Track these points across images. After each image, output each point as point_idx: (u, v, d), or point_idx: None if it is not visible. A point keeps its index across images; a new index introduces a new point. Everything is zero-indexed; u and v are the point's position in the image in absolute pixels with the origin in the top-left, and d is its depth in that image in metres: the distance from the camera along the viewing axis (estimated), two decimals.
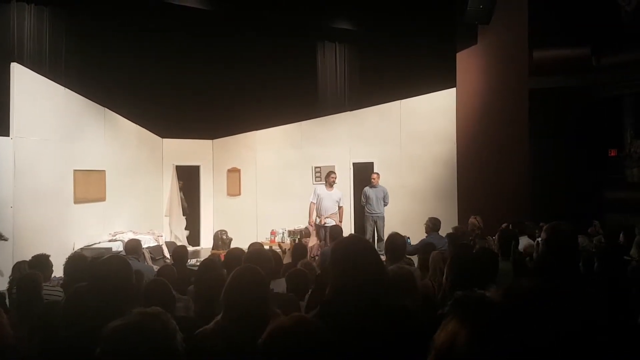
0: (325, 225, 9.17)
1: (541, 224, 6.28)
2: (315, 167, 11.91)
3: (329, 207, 9.35)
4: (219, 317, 2.48)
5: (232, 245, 10.22)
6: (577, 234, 3.56)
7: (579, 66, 11.37)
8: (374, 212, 10.00)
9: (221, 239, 10.62)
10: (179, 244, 9.70)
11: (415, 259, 5.64)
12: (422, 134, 11.20)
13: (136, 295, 2.83)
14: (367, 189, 10.14)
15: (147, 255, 8.83)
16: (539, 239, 4.56)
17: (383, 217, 10.02)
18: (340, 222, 9.61)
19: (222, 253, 8.39)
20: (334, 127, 11.90)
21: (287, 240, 10.28)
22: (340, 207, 9.54)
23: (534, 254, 4.85)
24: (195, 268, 5.87)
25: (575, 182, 11.16)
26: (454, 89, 10.86)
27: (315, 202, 9.43)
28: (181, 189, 11.96)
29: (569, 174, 11.23)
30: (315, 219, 9.42)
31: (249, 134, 12.35)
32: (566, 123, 11.44)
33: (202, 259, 6.77)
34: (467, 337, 1.35)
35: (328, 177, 9.58)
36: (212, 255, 8.55)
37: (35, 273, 4.17)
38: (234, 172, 12.43)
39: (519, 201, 9.13)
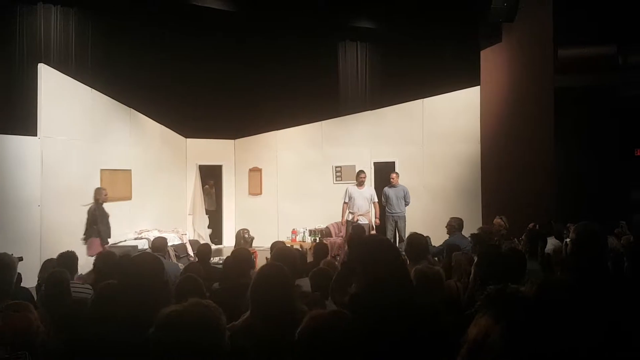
0: (359, 222, 9.40)
1: (569, 224, 6.19)
2: (336, 167, 11.90)
3: (362, 205, 9.63)
4: (246, 314, 2.50)
5: (254, 245, 10.29)
6: (606, 234, 3.51)
7: (604, 65, 11.15)
8: (394, 212, 9.96)
9: (243, 237, 10.62)
10: (202, 242, 9.78)
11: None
12: (445, 133, 11.11)
13: (168, 293, 2.85)
14: (386, 188, 10.11)
15: (172, 253, 8.93)
16: (567, 240, 4.50)
17: (404, 217, 9.97)
18: (377, 217, 9.84)
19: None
20: (354, 126, 11.87)
21: (308, 240, 10.29)
22: (374, 203, 9.78)
23: (562, 255, 4.78)
24: (219, 266, 5.92)
25: (601, 182, 10.97)
26: (478, 87, 10.74)
27: (347, 202, 9.71)
28: (211, 187, 11.91)
29: (594, 174, 11.04)
30: (348, 216, 9.68)
31: (270, 133, 12.41)
32: (592, 122, 11.24)
33: (224, 257, 6.81)
34: (500, 332, 1.34)
35: (358, 177, 9.90)
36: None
37: (63, 270, 4.24)
38: (255, 172, 12.50)
39: (544, 201, 8.99)
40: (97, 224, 8.07)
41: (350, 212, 9.70)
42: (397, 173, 10.27)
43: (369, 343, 1.74)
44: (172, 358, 1.63)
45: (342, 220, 9.87)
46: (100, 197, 8.24)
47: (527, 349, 1.33)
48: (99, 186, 8.72)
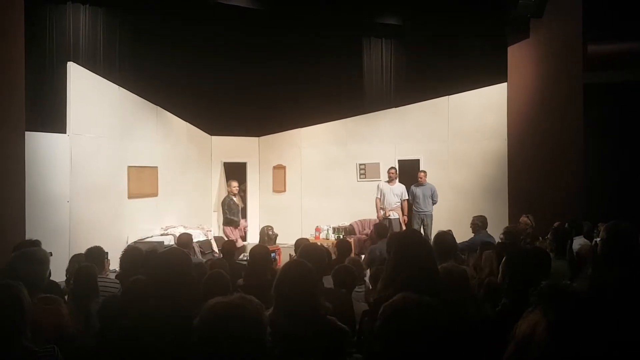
0: (390, 217, 9.75)
1: (599, 223, 6.07)
2: (360, 165, 11.87)
3: (392, 200, 9.89)
4: (270, 310, 2.51)
5: (278, 241, 10.33)
6: (637, 233, 3.44)
7: (635, 60, 10.90)
8: (421, 210, 9.96)
9: (267, 234, 10.72)
10: (226, 239, 9.85)
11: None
12: (471, 131, 10.99)
13: (196, 288, 2.88)
14: (413, 187, 10.08)
15: (197, 249, 9.02)
16: (597, 239, 4.41)
17: (431, 216, 9.94)
18: (405, 215, 10.00)
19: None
20: (379, 124, 11.82)
21: (332, 237, 10.30)
22: (403, 201, 9.95)
23: (592, 254, 4.69)
24: (244, 262, 5.96)
25: (631, 180, 10.72)
26: (505, 84, 10.59)
27: (379, 197, 9.99)
28: (242, 190, 11.70)
29: (624, 172, 10.80)
30: (380, 212, 9.98)
31: (294, 131, 12.44)
32: (621, 119, 10.99)
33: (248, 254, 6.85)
34: (546, 327, 1.33)
35: (388, 172, 10.15)
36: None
37: (91, 265, 4.30)
38: (279, 169, 12.55)
39: (573, 200, 8.83)
40: (226, 214, 9.41)
41: (381, 208, 9.93)
42: (424, 171, 10.21)
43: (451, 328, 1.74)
44: (216, 349, 1.65)
45: (377, 215, 10.08)
46: (230, 189, 9.68)
47: (573, 344, 1.32)
48: (125, 182, 8.94)
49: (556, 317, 1.34)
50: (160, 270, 2.38)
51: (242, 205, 10.70)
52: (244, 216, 12.38)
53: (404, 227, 9.77)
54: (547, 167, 9.26)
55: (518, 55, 10.27)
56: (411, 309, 1.73)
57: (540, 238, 6.46)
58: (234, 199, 9.60)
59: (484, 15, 10.95)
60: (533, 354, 1.34)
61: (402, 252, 2.39)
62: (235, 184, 9.81)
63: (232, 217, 9.43)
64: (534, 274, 2.74)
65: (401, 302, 1.76)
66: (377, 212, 10.05)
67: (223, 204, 9.58)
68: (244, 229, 9.92)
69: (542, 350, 1.33)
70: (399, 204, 9.92)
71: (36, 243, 4.54)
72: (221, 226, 11.70)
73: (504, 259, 2.88)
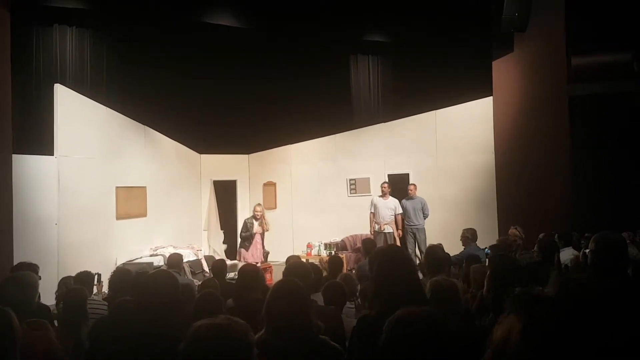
0: (384, 232, 9.78)
1: (586, 234, 6.11)
2: (350, 180, 11.90)
3: (386, 214, 9.91)
4: (262, 332, 2.49)
5: (269, 259, 10.29)
6: (625, 243, 3.46)
7: (619, 72, 11.05)
8: (412, 224, 9.98)
9: None
10: (217, 257, 9.80)
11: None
12: (459, 144, 11.07)
13: (184, 309, 2.86)
14: (403, 201, 10.12)
15: (187, 269, 8.95)
16: (586, 250, 4.43)
17: (423, 229, 9.95)
18: (398, 229, 10.02)
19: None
20: (368, 139, 11.88)
21: (324, 253, 10.27)
22: (397, 215, 9.99)
23: (581, 265, 4.71)
24: (234, 282, 5.92)
25: (619, 191, 10.81)
26: (491, 97, 10.71)
27: (373, 211, 10.01)
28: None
29: (611, 183, 10.89)
30: (375, 226, 9.98)
31: (284, 147, 12.46)
32: (608, 131, 11.12)
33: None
34: (520, 329, 1.36)
35: (381, 187, 10.20)
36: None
37: (81, 288, 4.27)
38: (269, 186, 12.54)
39: (561, 212, 8.89)
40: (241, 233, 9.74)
41: (375, 223, 9.95)
42: (414, 185, 10.25)
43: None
44: None
45: (370, 230, 10.07)
46: (254, 212, 9.79)
47: (545, 347, 1.35)
48: (113, 203, 8.89)
49: (527, 320, 1.38)
50: (147, 293, 2.37)
51: (262, 231, 9.81)
52: (233, 233, 12.27)
53: (397, 241, 9.79)
54: (535, 179, 9.34)
55: (503, 70, 10.40)
56: (416, 321, 1.75)
57: (532, 250, 6.48)
58: (253, 221, 9.70)
59: (468, 30, 11.11)
60: (508, 357, 1.38)
61: (381, 270, 2.41)
62: (258, 208, 9.84)
63: (245, 237, 9.64)
64: (519, 286, 2.75)
65: (406, 316, 1.77)
66: (371, 226, 10.06)
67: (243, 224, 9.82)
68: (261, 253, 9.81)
69: (516, 354, 1.36)
70: (393, 218, 9.94)
71: (33, 267, 4.51)
72: (211, 245, 11.70)
73: (488, 273, 2.89)
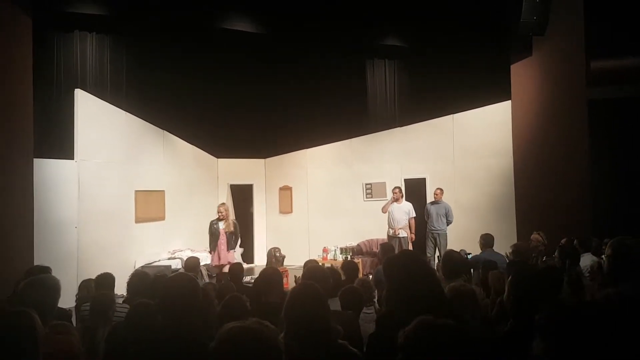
0: (398, 236, 9.72)
1: (606, 239, 6.03)
2: (366, 184, 11.88)
3: (400, 219, 9.85)
4: (281, 335, 2.50)
5: (286, 263, 10.30)
6: None
7: (638, 76, 10.93)
8: (433, 228, 9.88)
9: (274, 256, 10.67)
10: (234, 261, 9.82)
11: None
12: (476, 149, 10.99)
13: (211, 312, 2.85)
14: (428, 204, 10.09)
15: (204, 273, 9.00)
16: (604, 256, 4.37)
17: (445, 235, 9.85)
18: (412, 233, 9.94)
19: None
20: (384, 143, 11.86)
21: (340, 258, 10.27)
22: (410, 218, 9.90)
23: (600, 271, 4.65)
24: (251, 285, 5.94)
25: (638, 195, 10.67)
26: (509, 102, 10.62)
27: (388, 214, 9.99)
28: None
29: (631, 188, 10.76)
30: (389, 231, 9.94)
31: (300, 152, 12.49)
32: (627, 135, 10.98)
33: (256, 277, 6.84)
34: (543, 346, 1.36)
35: (392, 192, 10.13)
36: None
37: (108, 293, 4.28)
38: (285, 190, 12.58)
39: (580, 216, 8.78)
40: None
41: (390, 227, 9.89)
42: (441, 189, 10.12)
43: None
44: None
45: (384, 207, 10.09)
46: (217, 212, 9.28)
47: None
48: (132, 207, 8.94)
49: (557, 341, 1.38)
50: (169, 296, 2.38)
51: (230, 230, 9.22)
52: (250, 237, 12.33)
53: (410, 245, 9.73)
54: (554, 184, 9.23)
55: (521, 73, 10.32)
56: (436, 334, 1.75)
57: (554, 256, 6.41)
58: (220, 223, 9.17)
59: (486, 34, 11.05)
60: None
61: (397, 276, 2.39)
62: (221, 208, 9.37)
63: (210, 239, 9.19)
64: (540, 293, 2.72)
65: (420, 326, 1.77)
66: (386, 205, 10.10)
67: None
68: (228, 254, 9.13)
69: None
70: (407, 222, 9.87)
71: (46, 269, 4.55)
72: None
73: (509, 278, 2.87)
